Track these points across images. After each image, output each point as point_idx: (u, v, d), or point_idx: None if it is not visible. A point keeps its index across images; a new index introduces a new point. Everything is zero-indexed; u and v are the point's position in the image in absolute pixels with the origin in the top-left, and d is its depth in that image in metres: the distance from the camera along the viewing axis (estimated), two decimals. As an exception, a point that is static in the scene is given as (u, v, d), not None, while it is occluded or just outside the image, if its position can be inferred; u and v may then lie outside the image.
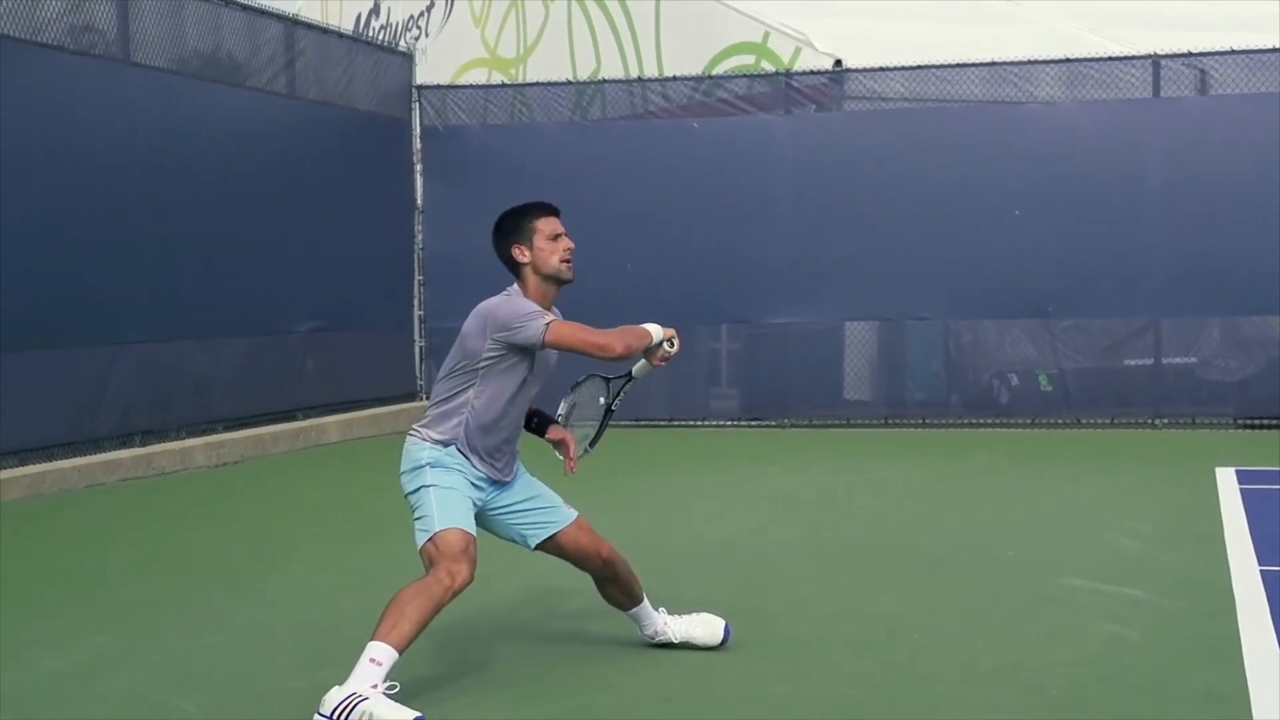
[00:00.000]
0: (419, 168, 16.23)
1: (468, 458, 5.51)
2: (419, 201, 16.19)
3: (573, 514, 5.80)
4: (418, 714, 4.92)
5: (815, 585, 7.47)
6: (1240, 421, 14.22)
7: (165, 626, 6.71)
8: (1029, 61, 14.73)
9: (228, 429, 13.08)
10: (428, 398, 15.94)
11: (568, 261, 5.62)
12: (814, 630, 6.48)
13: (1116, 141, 14.53)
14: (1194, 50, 14.43)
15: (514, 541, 5.75)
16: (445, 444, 5.49)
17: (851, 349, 15.45)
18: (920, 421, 15.05)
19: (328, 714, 4.89)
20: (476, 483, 5.53)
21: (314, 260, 14.29)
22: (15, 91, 10.95)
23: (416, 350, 16.18)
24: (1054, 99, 14.86)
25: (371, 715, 4.87)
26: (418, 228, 16.15)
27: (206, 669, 5.97)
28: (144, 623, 6.82)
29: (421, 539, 5.37)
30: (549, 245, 5.60)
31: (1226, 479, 10.63)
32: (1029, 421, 14.75)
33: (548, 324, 5.41)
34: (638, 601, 6.01)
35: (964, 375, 15.49)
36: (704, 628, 6.04)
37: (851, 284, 14.98)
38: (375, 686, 4.94)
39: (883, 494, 10.86)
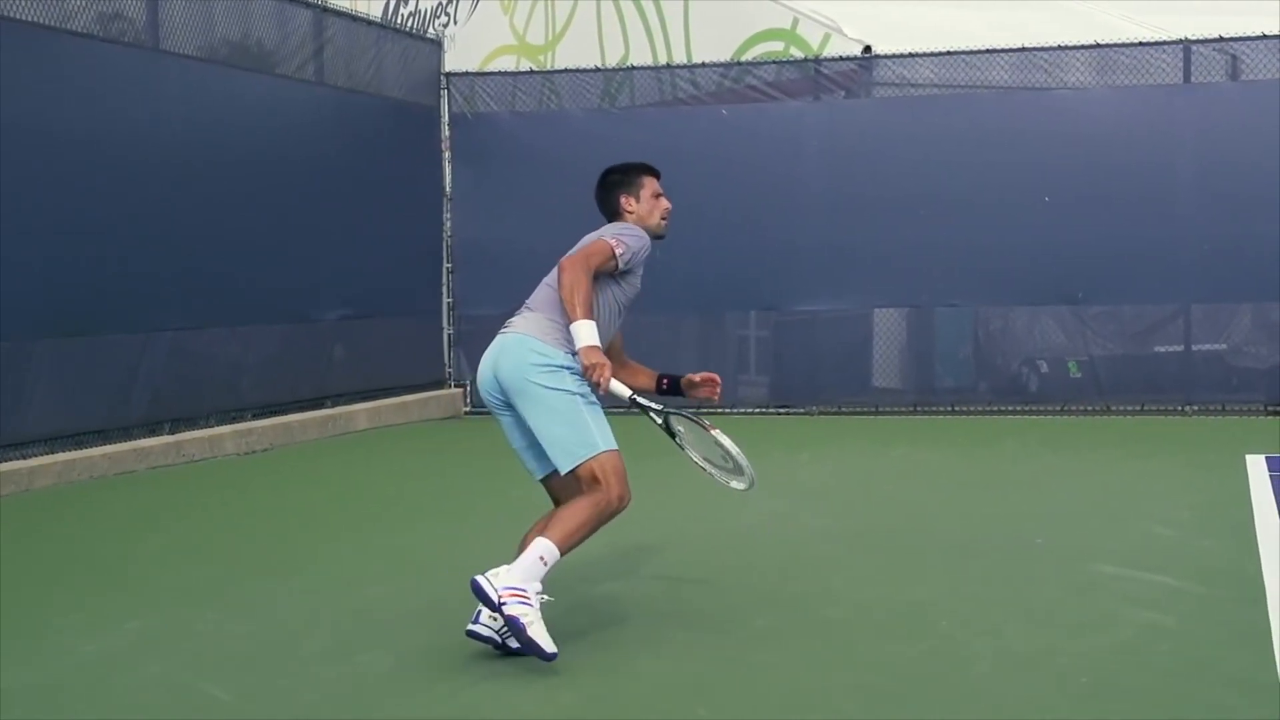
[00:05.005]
0: (447, 155, 16.21)
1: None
2: (447, 189, 16.16)
3: None
4: (555, 652, 5.22)
5: (846, 572, 7.47)
6: (1271, 408, 14.14)
7: (196, 613, 6.72)
8: (1059, 47, 14.64)
9: (257, 417, 13.10)
10: (456, 385, 16.08)
11: (666, 220, 6.08)
12: (844, 617, 6.47)
13: (1147, 127, 14.48)
14: (1225, 35, 14.35)
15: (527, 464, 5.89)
16: (575, 354, 5.61)
17: (880, 336, 15.42)
18: (949, 409, 15.01)
19: (497, 587, 5.09)
20: None
21: (343, 248, 14.29)
22: (45, 79, 10.97)
23: (445, 338, 16.17)
24: (1084, 84, 14.78)
25: (531, 625, 5.10)
26: (446, 215, 16.13)
27: (238, 655, 5.98)
28: (175, 609, 6.83)
29: (582, 454, 5.52)
30: (653, 202, 6.06)
31: (1257, 466, 10.59)
32: (1059, 408, 14.70)
33: (610, 241, 5.71)
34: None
35: (993, 362, 15.43)
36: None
37: (880, 271, 14.94)
38: (540, 594, 5.17)
39: (912, 481, 10.84)
